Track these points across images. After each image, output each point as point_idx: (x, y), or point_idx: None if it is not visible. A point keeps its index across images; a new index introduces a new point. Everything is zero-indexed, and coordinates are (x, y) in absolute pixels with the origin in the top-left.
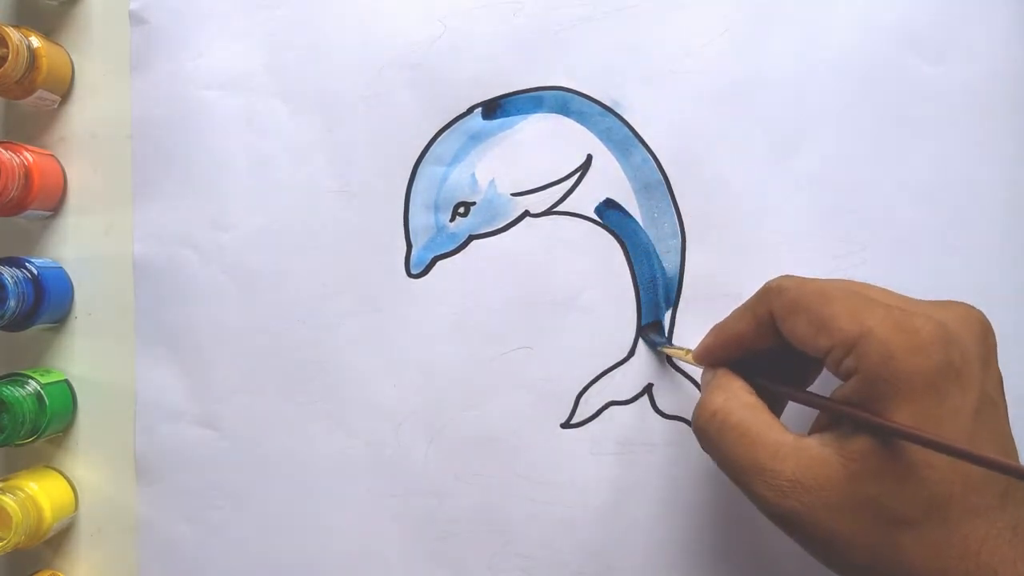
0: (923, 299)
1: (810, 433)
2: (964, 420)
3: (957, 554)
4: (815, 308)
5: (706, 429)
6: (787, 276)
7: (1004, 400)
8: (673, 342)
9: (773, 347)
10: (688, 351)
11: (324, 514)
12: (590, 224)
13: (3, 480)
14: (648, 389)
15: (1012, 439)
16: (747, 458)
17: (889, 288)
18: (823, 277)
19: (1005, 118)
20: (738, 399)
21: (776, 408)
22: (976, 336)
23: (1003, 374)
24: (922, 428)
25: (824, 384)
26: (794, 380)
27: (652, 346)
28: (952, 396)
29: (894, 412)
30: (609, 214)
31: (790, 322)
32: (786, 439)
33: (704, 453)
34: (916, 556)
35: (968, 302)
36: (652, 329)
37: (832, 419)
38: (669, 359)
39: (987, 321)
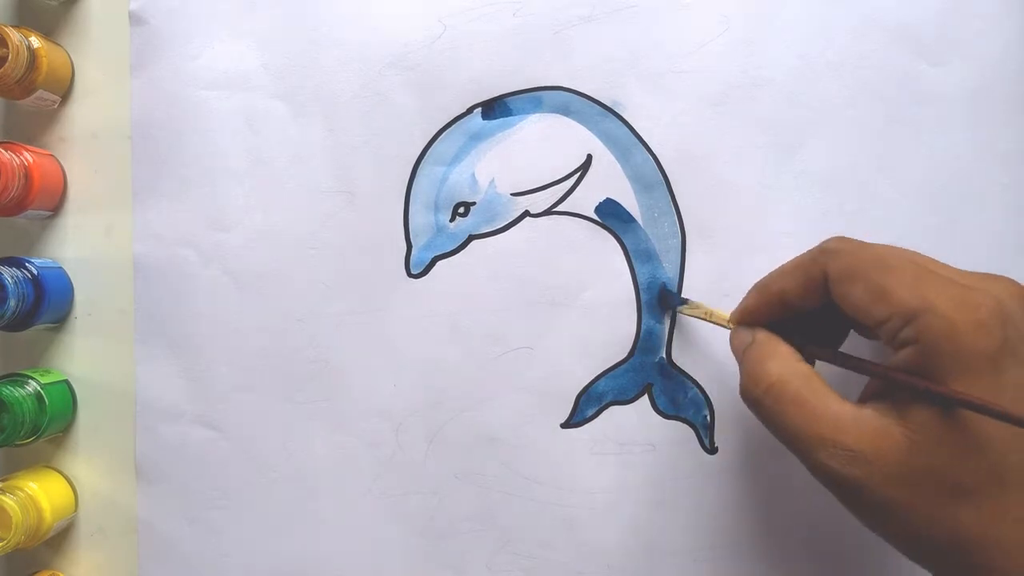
0: (971, 272)
1: (861, 401)
2: (1021, 392)
3: (1013, 519)
4: (874, 276)
5: (762, 401)
6: (842, 238)
7: None
8: (675, 335)
9: (812, 309)
10: (714, 313)
11: (324, 514)
12: (590, 224)
13: (3, 480)
14: (648, 389)
15: None
16: (807, 430)
17: None
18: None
19: (1005, 118)
20: (792, 368)
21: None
22: None
23: None
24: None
25: (851, 350)
26: (822, 342)
27: (671, 306)
28: (1009, 371)
29: (955, 385)
30: (609, 214)
31: (845, 287)
32: (845, 409)
33: (702, 452)
34: (973, 524)
35: None
36: (666, 295)
37: (885, 388)
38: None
39: None
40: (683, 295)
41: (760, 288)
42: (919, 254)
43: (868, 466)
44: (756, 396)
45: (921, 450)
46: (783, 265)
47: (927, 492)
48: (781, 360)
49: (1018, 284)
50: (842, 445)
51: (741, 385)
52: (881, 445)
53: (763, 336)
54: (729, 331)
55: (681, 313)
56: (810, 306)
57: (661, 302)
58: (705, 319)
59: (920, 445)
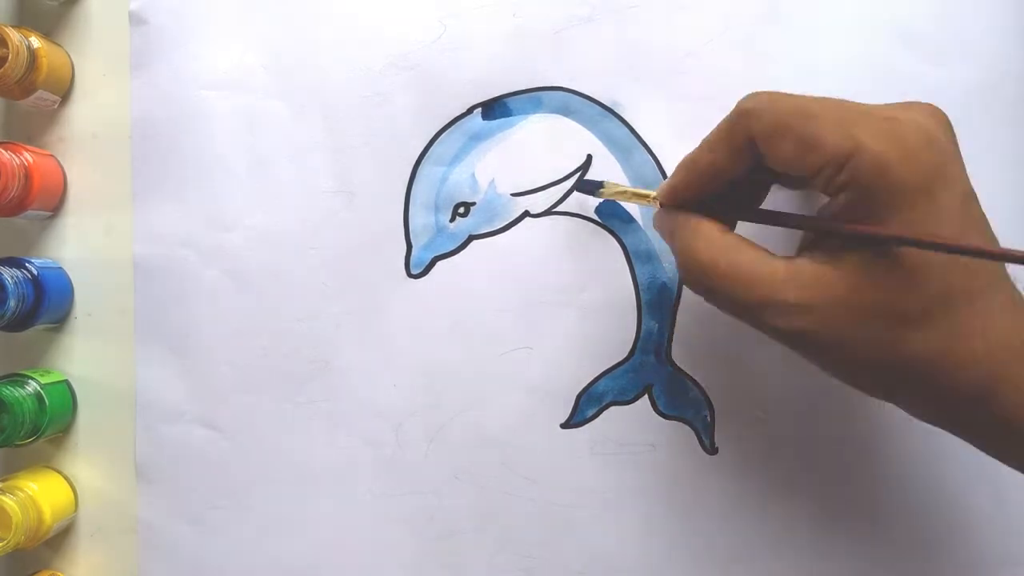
0: (889, 104)
1: (798, 253)
2: (954, 215)
3: (966, 335)
4: (799, 127)
5: (698, 284)
6: (757, 94)
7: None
8: (675, 335)
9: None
10: (635, 191)
11: (324, 514)
12: (590, 224)
13: (3, 480)
14: (648, 389)
15: (987, 220)
16: (747, 298)
17: None
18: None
19: (1005, 118)
20: (719, 243)
21: None
22: (947, 132)
23: None
24: (919, 232)
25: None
26: (744, 202)
27: (590, 192)
28: (941, 195)
29: (890, 220)
30: (609, 214)
31: (774, 145)
32: (778, 266)
33: (702, 452)
34: (925, 349)
35: None
36: (584, 184)
37: (818, 236)
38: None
39: (946, 116)
40: (683, 295)
41: (688, 165)
42: (837, 99)
43: (811, 314)
44: (691, 281)
45: (860, 288)
46: (706, 137)
47: (875, 327)
48: (707, 238)
49: (935, 107)
50: (782, 302)
51: (678, 272)
52: (822, 292)
53: (684, 218)
54: (652, 209)
55: (602, 196)
56: (740, 171)
57: (580, 190)
58: (628, 200)
59: (859, 286)
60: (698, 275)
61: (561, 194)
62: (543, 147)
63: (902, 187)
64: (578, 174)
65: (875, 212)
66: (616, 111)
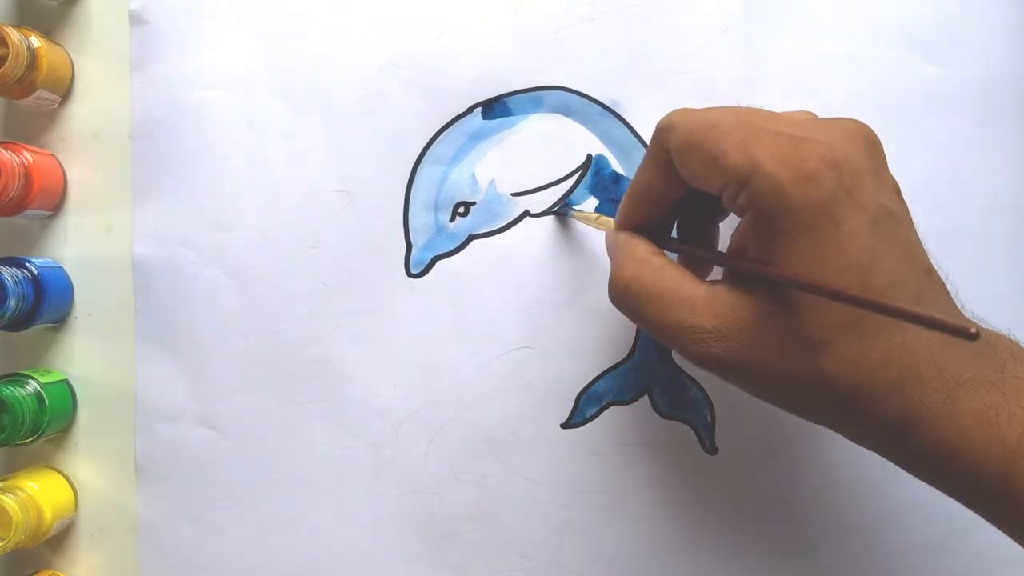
0: (812, 119)
1: (723, 279)
2: (863, 238)
3: (879, 364)
4: (707, 144)
5: (622, 301)
6: (680, 110)
7: (904, 206)
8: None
9: (685, 195)
10: (598, 216)
11: (324, 514)
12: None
13: (3, 480)
14: (648, 389)
15: (918, 243)
16: (666, 320)
17: None
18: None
19: (1005, 118)
20: (646, 264)
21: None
22: (865, 152)
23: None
24: (819, 259)
25: None
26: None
27: (563, 214)
28: (848, 218)
29: (791, 244)
30: (609, 214)
31: (685, 160)
32: (698, 291)
33: (702, 452)
34: (840, 374)
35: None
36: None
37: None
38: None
39: (874, 134)
40: None
41: (628, 191)
42: (760, 111)
43: (727, 341)
44: (616, 297)
45: (771, 315)
46: (640, 163)
47: (788, 354)
48: (636, 257)
49: (860, 124)
50: (699, 328)
51: (608, 289)
52: (735, 318)
53: (622, 237)
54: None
55: (572, 218)
56: (676, 193)
57: (557, 213)
58: (593, 225)
59: (769, 311)
60: (622, 291)
61: (561, 194)
62: (543, 147)
63: (800, 209)
64: (578, 174)
65: (776, 235)
66: (616, 111)
